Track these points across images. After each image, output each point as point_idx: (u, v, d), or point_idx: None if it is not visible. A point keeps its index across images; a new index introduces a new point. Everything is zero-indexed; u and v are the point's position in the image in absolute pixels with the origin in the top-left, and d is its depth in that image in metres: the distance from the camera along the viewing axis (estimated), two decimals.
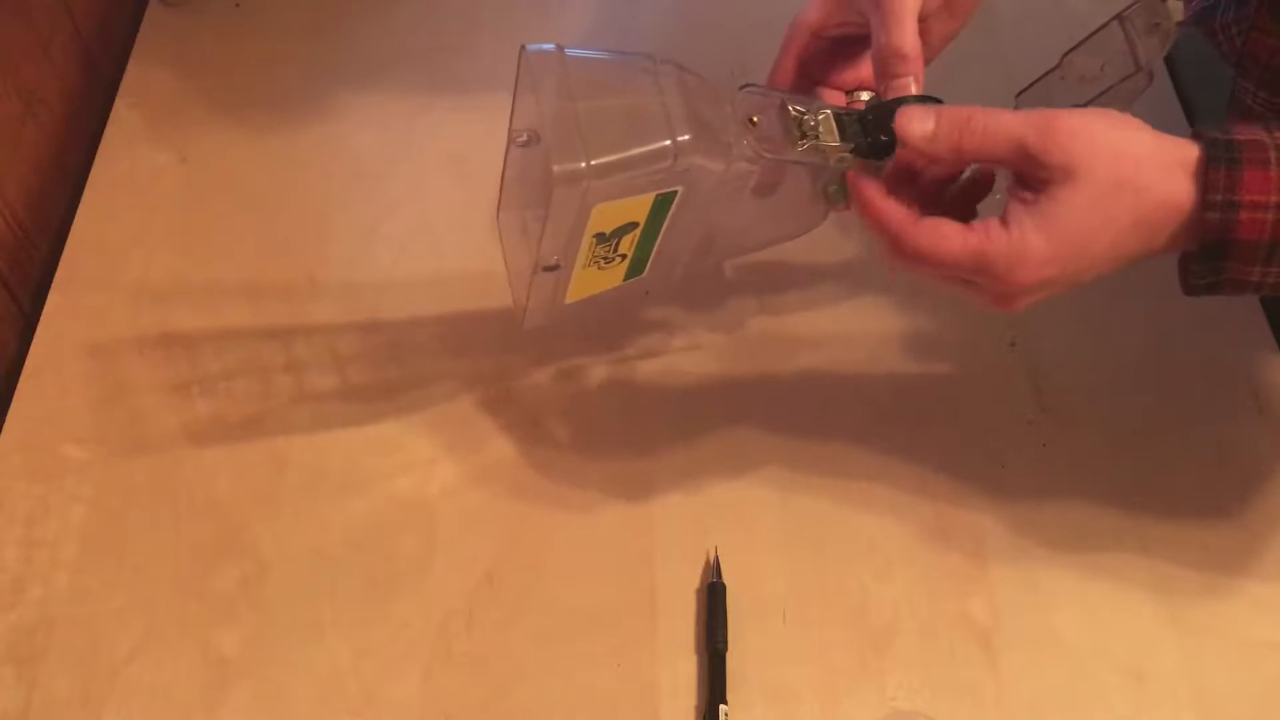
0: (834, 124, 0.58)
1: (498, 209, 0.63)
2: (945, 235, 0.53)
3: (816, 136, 0.58)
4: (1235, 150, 0.50)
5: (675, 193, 0.57)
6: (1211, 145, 0.50)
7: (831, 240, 0.77)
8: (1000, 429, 0.70)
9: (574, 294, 0.62)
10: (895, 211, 0.54)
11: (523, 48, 0.54)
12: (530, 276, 0.59)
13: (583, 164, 0.53)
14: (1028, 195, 0.52)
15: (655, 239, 0.60)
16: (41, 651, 0.62)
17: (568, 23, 0.91)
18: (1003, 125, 0.52)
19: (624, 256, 0.60)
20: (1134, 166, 0.51)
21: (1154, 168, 0.51)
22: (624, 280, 0.63)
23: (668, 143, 0.54)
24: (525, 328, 0.63)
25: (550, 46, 0.55)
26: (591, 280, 0.61)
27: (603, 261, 0.60)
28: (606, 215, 0.56)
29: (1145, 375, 0.73)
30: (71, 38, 0.84)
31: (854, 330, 0.74)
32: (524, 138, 0.59)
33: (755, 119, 0.58)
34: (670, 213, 0.58)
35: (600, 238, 0.58)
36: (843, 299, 0.76)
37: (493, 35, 0.89)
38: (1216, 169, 0.50)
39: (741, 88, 0.59)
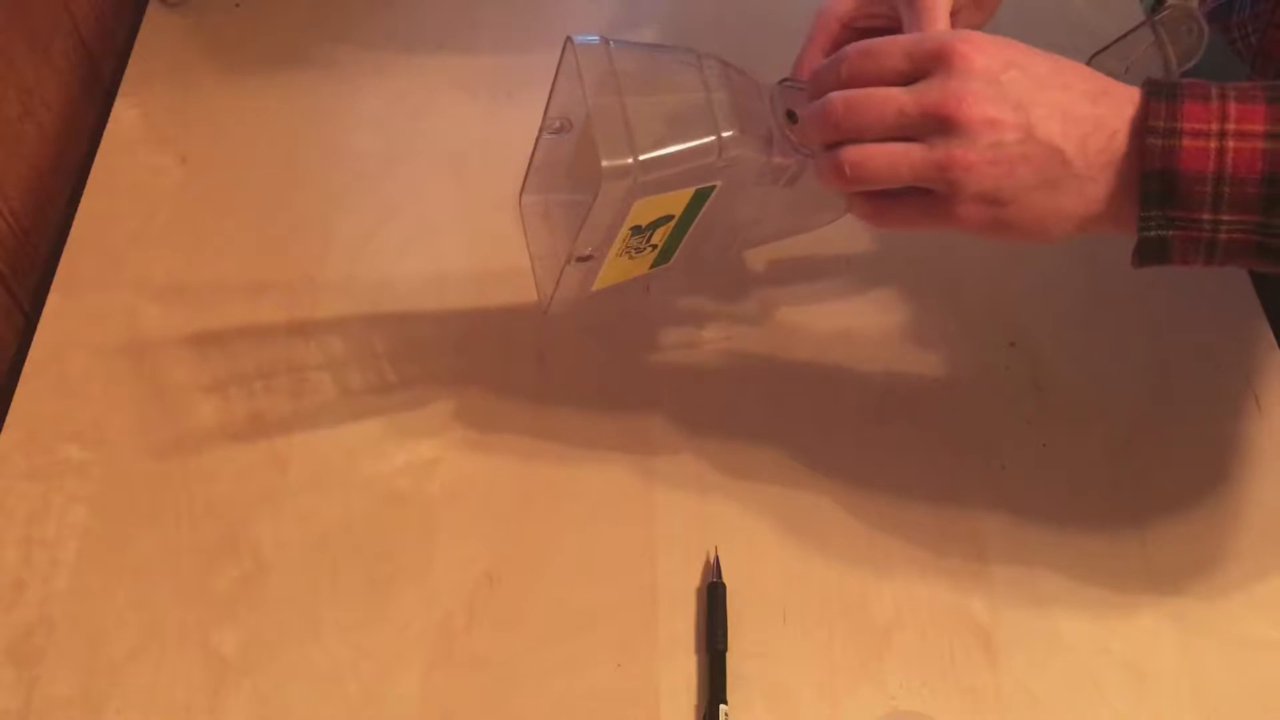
0: None
1: (520, 193, 0.63)
2: (891, 38, 0.54)
3: None
4: (1175, 88, 0.50)
5: (714, 187, 0.57)
6: (1152, 84, 0.51)
7: (833, 238, 0.77)
8: (1000, 429, 0.70)
9: (602, 282, 0.62)
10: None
11: (569, 39, 0.54)
12: (562, 266, 0.58)
13: (630, 160, 0.52)
14: None
15: (687, 230, 0.60)
16: (41, 651, 0.62)
17: (568, 22, 0.91)
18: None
19: (655, 247, 0.60)
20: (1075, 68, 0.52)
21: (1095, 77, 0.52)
22: (650, 269, 0.63)
23: (713, 138, 0.54)
24: (549, 314, 0.63)
25: (595, 38, 0.55)
26: (620, 269, 0.61)
27: (634, 251, 0.60)
28: (646, 209, 0.56)
29: (1145, 375, 0.73)
30: (71, 38, 0.84)
31: (854, 330, 0.74)
32: (557, 124, 0.59)
33: (794, 114, 0.58)
34: (705, 206, 0.58)
35: (636, 230, 0.57)
36: (843, 299, 0.76)
37: (493, 35, 0.89)
38: (1157, 101, 0.50)
39: (780, 82, 0.59)
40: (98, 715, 0.61)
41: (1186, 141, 0.49)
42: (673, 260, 0.63)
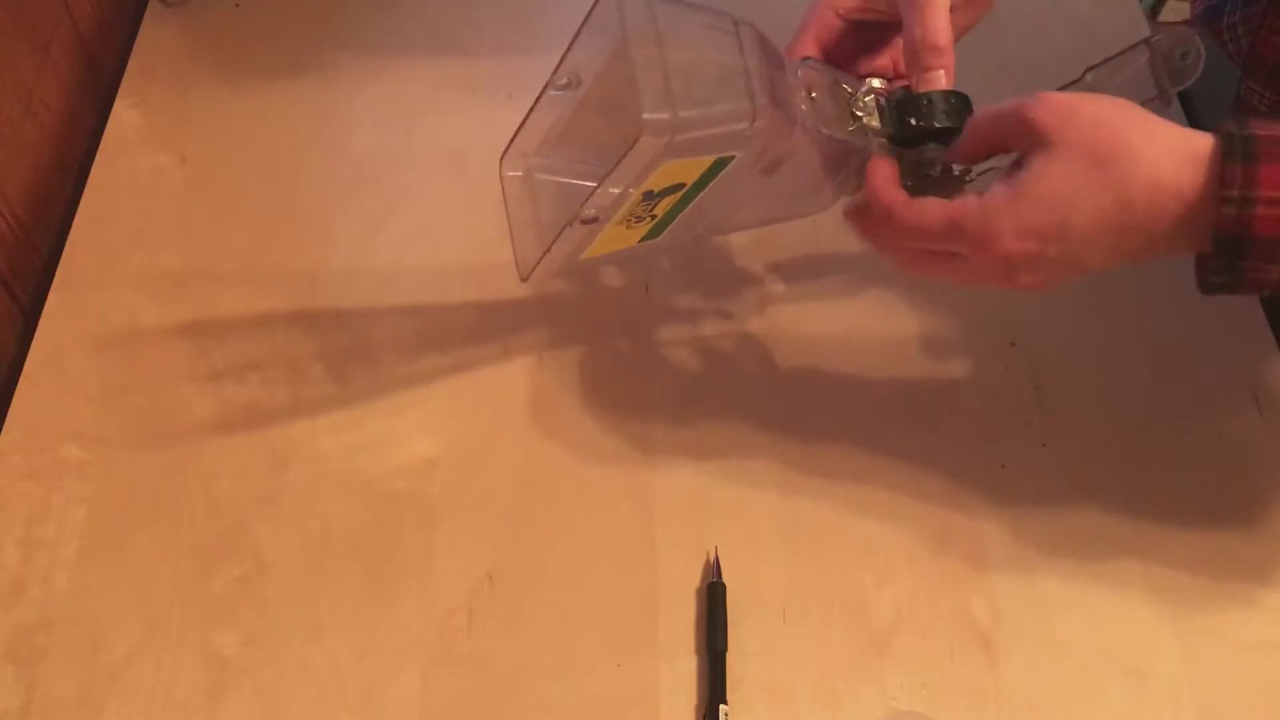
0: (875, 108, 0.59)
1: (502, 157, 0.62)
2: (926, 207, 0.55)
3: (863, 118, 0.58)
4: (1252, 145, 0.49)
5: (732, 158, 0.56)
6: (1228, 140, 0.49)
7: (833, 237, 0.77)
8: (1000, 429, 0.70)
9: (591, 251, 0.61)
10: (894, 194, 0.57)
11: None
12: (562, 227, 0.57)
13: (669, 114, 0.51)
14: (1011, 170, 0.53)
15: (687, 205, 0.59)
16: (41, 651, 0.62)
17: (569, 23, 0.91)
18: (1002, 106, 0.55)
19: (654, 218, 0.59)
20: (1117, 143, 0.50)
21: (1145, 148, 0.50)
22: (638, 243, 0.62)
23: (748, 105, 0.53)
24: (526, 280, 0.61)
25: None
26: (612, 238, 0.60)
27: (633, 220, 0.59)
28: (668, 172, 0.55)
29: (1145, 375, 0.73)
30: (71, 38, 0.84)
31: (855, 330, 0.74)
32: (564, 80, 0.57)
33: (814, 94, 0.58)
34: (717, 178, 0.58)
35: (648, 195, 0.56)
36: (844, 299, 0.76)
37: (493, 35, 0.89)
38: (1233, 164, 0.49)
39: (803, 61, 0.59)
40: (98, 715, 0.61)
41: (1261, 210, 0.49)
42: (660, 238, 0.62)
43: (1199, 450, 0.70)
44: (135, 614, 0.63)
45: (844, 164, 0.61)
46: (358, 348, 0.73)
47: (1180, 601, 0.64)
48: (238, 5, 0.90)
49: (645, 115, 0.50)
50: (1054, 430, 0.70)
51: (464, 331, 0.74)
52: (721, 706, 0.60)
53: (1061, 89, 0.63)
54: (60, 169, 0.82)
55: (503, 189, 0.62)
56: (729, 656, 0.62)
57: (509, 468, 0.69)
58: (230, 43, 0.88)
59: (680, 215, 0.60)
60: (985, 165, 0.63)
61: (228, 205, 0.80)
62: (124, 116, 0.84)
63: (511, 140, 0.61)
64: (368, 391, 0.71)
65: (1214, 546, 0.66)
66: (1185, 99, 0.84)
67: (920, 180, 0.60)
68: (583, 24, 0.54)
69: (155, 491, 0.67)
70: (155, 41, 0.88)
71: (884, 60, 0.64)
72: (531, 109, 0.60)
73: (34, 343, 0.73)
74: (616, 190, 0.55)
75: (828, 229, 0.69)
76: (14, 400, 0.71)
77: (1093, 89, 0.61)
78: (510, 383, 0.72)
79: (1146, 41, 0.59)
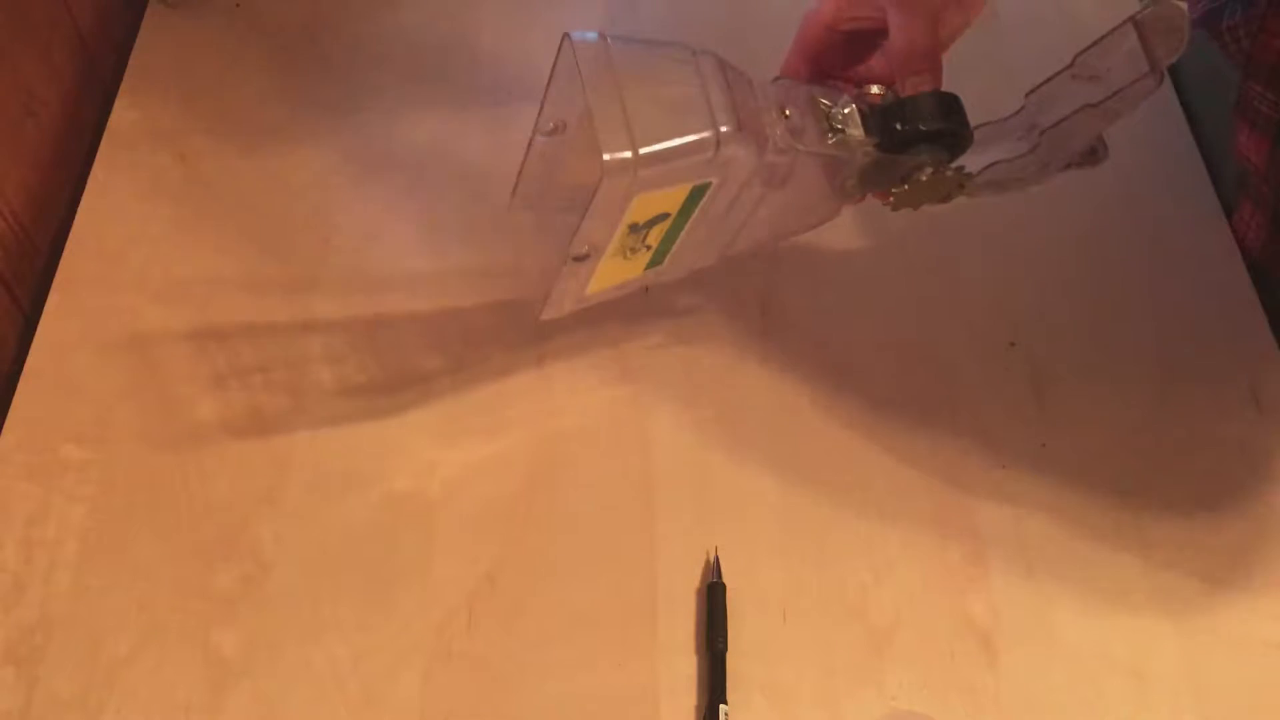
0: (858, 117, 0.59)
1: (510, 202, 0.63)
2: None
3: (843, 130, 0.59)
4: None
5: (709, 184, 0.57)
6: None
7: (832, 238, 0.77)
8: (1000, 429, 0.70)
9: (596, 284, 0.62)
10: None
11: (566, 35, 0.54)
12: (559, 266, 0.58)
13: (630, 153, 0.52)
14: None
15: (681, 230, 0.60)
16: (41, 651, 0.62)
17: (570, 23, 0.91)
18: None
19: (649, 247, 0.60)
20: None
21: None
22: (643, 271, 0.63)
23: (710, 133, 0.54)
24: (542, 319, 0.63)
25: (594, 35, 0.55)
26: (615, 271, 0.61)
27: (629, 252, 0.60)
28: (644, 205, 0.56)
29: (1145, 375, 0.73)
30: (71, 38, 0.84)
31: (855, 330, 0.74)
32: (550, 126, 0.59)
33: (787, 111, 0.58)
34: (700, 204, 0.58)
35: (633, 228, 0.57)
36: (843, 298, 0.76)
37: (493, 36, 0.89)
38: None
39: (774, 80, 0.59)
40: (98, 715, 0.61)
41: None
42: (665, 263, 0.63)
43: (1199, 450, 0.70)
44: (135, 614, 0.63)
45: (838, 173, 0.61)
46: (358, 347, 0.73)
47: (1180, 601, 0.64)
48: (238, 5, 0.90)
49: (605, 156, 0.52)
50: (1054, 430, 0.70)
51: (464, 331, 0.74)
52: (721, 706, 0.60)
53: (1052, 77, 0.63)
54: (60, 169, 0.82)
55: (515, 234, 0.63)
56: (729, 656, 0.62)
57: (509, 468, 0.69)
58: (230, 42, 0.88)
59: (679, 240, 0.61)
60: (986, 163, 0.63)
61: (228, 205, 0.80)
62: (124, 116, 0.84)
63: (515, 186, 0.62)
64: (368, 391, 0.71)
65: (1214, 546, 0.66)
66: (1185, 102, 0.84)
67: (914, 185, 0.60)
68: (550, 75, 0.56)
69: (155, 492, 0.67)
70: (155, 41, 0.88)
71: (880, 66, 0.64)
72: (526, 155, 0.61)
73: (34, 343, 0.73)
74: (599, 228, 0.56)
75: (827, 228, 0.69)
76: (14, 400, 0.71)
77: (1083, 73, 0.61)
78: (510, 383, 0.72)
79: (1133, 20, 0.59)
